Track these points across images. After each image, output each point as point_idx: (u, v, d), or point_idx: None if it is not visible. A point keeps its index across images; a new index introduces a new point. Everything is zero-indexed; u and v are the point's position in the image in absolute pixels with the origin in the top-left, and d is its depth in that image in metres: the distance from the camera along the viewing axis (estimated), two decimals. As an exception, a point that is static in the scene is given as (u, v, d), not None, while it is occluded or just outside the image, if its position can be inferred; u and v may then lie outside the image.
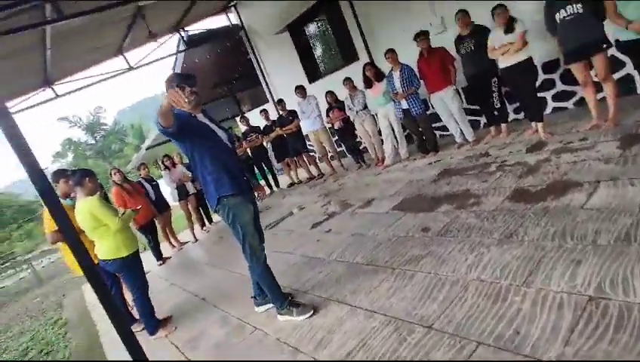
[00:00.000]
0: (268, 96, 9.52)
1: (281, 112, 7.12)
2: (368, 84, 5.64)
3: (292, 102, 7.14)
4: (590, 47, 3.56)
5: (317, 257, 3.49)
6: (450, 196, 3.62)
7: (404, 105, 5.34)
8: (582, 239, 2.13)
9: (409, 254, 2.79)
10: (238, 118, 9.09)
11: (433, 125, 5.71)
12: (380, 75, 5.55)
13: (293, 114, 6.97)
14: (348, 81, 5.95)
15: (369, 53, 6.66)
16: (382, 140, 6.00)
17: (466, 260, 2.39)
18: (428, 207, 3.58)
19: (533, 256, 2.15)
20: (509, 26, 4.03)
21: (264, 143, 7.64)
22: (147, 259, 3.99)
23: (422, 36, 4.98)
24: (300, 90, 6.72)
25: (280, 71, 8.83)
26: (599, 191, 2.60)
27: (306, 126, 6.81)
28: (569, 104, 4.91)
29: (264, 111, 7.53)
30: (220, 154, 2.45)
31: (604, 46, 3.54)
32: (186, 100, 1.97)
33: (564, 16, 3.61)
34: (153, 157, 14.03)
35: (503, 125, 4.88)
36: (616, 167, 2.86)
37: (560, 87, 4.88)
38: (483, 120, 5.56)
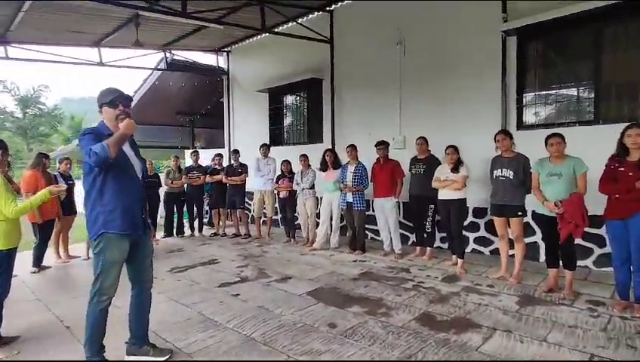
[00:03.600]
0: (226, 142, 9.51)
1: (233, 162, 7.09)
2: (324, 168, 5.87)
3: (246, 157, 7.17)
4: (510, 209, 4.06)
5: (214, 319, 3.23)
6: (365, 299, 3.65)
7: (349, 198, 5.57)
8: (471, 381, 2.21)
9: (309, 346, 2.68)
10: (189, 151, 8.86)
11: (367, 226, 5.95)
12: (336, 164, 5.83)
13: (243, 167, 6.95)
14: (304, 157, 6.17)
15: (333, 139, 7.06)
16: (317, 223, 6.09)
17: (361, 369, 2.34)
18: (341, 302, 3.56)
19: (425, 384, 2.17)
20: (456, 166, 4.54)
21: (205, 184, 7.42)
22: (21, 259, 3.42)
23: (382, 145, 5.42)
24: (265, 148, 6.84)
25: (246, 125, 8.98)
26: (494, 338, 2.77)
27: (257, 184, 6.79)
28: (486, 250, 5.41)
29: (219, 156, 7.43)
30: (125, 189, 2.33)
31: (520, 213, 4.06)
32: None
33: (497, 175, 4.15)
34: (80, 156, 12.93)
35: (429, 248, 5.21)
36: (512, 320, 3.10)
37: (482, 232, 5.41)
38: (412, 238, 5.91)
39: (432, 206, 5.11)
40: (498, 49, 5.05)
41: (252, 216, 7.79)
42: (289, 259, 5.31)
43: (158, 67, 9.19)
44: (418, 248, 5.40)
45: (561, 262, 3.76)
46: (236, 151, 7.16)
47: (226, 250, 6.02)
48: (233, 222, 7.27)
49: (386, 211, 5.36)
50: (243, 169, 6.94)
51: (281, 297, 3.75)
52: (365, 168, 5.57)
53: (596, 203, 3.46)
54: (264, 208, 6.92)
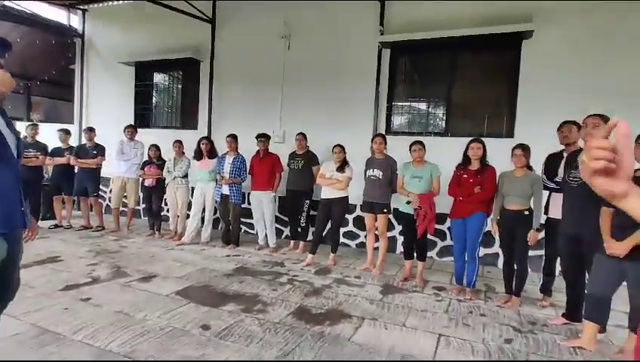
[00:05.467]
0: (76, 117, 8.03)
1: (86, 142, 6.02)
2: (199, 156, 5.47)
3: (103, 138, 6.19)
4: (377, 207, 4.46)
5: (55, 332, 2.66)
6: (240, 296, 3.52)
7: (225, 190, 5.32)
8: (345, 371, 2.31)
9: (180, 353, 2.43)
10: (23, 124, 7.17)
11: (242, 220, 5.79)
12: (213, 153, 5.49)
13: (99, 149, 5.98)
14: (179, 144, 5.66)
15: (210, 127, 6.64)
16: (188, 215, 5.65)
17: (239, 372, 2.23)
18: (215, 301, 3.35)
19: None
20: (342, 166, 4.70)
21: (44, 167, 6.12)
22: None
23: (263, 138, 5.32)
24: (132, 130, 6.00)
25: (104, 100, 7.74)
26: (363, 327, 2.98)
27: (119, 169, 5.91)
28: (352, 243, 5.84)
29: (64, 132, 6.20)
30: (2, 174, 1.75)
31: (385, 211, 4.49)
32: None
33: (369, 175, 4.50)
34: None
35: (302, 243, 5.35)
36: (377, 308, 3.40)
37: (351, 227, 5.83)
38: (287, 231, 5.99)
39: (308, 201, 5.26)
40: (375, 58, 5.48)
41: (107, 205, 6.82)
42: (153, 255, 4.78)
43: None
44: (292, 242, 5.50)
45: (415, 253, 4.30)
46: (91, 130, 6.10)
47: (72, 245, 5.09)
48: (82, 212, 6.20)
49: (264, 205, 5.29)
50: (99, 151, 5.97)
51: (144, 299, 3.33)
52: (244, 159, 5.39)
53: (444, 204, 4.07)
54: (124, 197, 6.09)
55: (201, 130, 6.69)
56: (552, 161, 3.64)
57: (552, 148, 3.71)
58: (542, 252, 3.92)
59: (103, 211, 6.47)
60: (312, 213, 5.30)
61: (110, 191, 6.90)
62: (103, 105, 7.74)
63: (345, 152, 4.70)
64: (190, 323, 2.87)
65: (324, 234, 4.87)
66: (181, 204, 5.65)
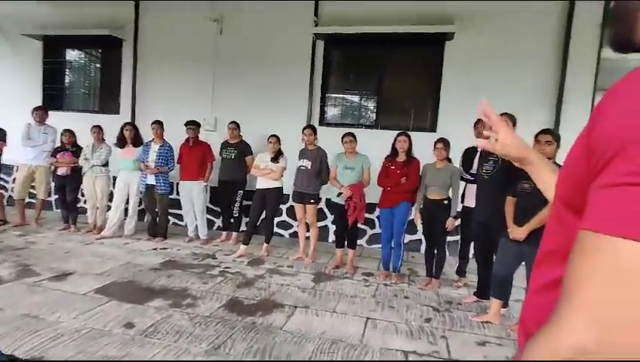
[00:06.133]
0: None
1: (-19, 124, 5.27)
2: (121, 144, 5.08)
3: (6, 120, 5.47)
4: (307, 197, 4.52)
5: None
6: (168, 291, 3.37)
7: (151, 180, 5.02)
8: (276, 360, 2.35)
9: (100, 354, 2.28)
10: None
11: (170, 210, 5.52)
12: (138, 141, 5.13)
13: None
14: (97, 129, 5.20)
15: (134, 112, 6.18)
16: (109, 206, 5.24)
17: (166, 370, 2.16)
18: (140, 297, 3.18)
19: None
20: (277, 156, 4.67)
21: None
22: None
23: (193, 126, 5.10)
24: (42, 113, 5.38)
25: (5, 77, 6.80)
26: (295, 315, 3.04)
27: (25, 156, 5.27)
28: (286, 233, 5.88)
29: None
30: None
31: (313, 201, 4.57)
32: None
33: (299, 166, 4.54)
34: None
35: (234, 234, 5.25)
36: (309, 296, 3.48)
37: (284, 217, 5.85)
38: (218, 223, 5.84)
39: (241, 191, 5.17)
40: (309, 49, 5.49)
41: (10, 196, 6.07)
42: (68, 251, 4.38)
43: None
44: (224, 233, 5.39)
45: (346, 242, 4.46)
46: (-13, 111, 5.36)
47: (-34, 243, 4.46)
48: (-22, 205, 5.45)
49: (194, 195, 5.10)
50: (-1, 135, 5.27)
51: (57, 299, 3.04)
52: (171, 148, 5.12)
53: (373, 194, 4.27)
54: (32, 187, 5.46)
55: (123, 115, 6.19)
56: (468, 155, 3.98)
57: (470, 143, 4.05)
58: (458, 237, 4.30)
59: (5, 203, 5.74)
60: (245, 203, 5.22)
61: (14, 180, 6.12)
62: (2, 84, 6.80)
63: (280, 143, 4.68)
64: (112, 322, 2.70)
65: (258, 224, 4.84)
66: (101, 194, 5.22)
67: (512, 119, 3.23)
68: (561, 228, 0.52)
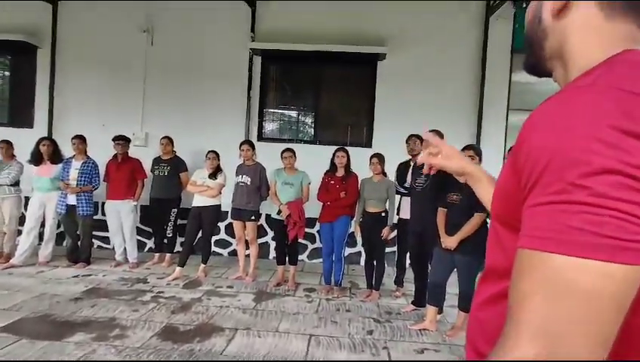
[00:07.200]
0: None
1: None
2: (37, 160, 4.58)
3: None
4: (246, 214, 4.41)
5: None
6: (91, 323, 3.06)
7: (72, 200, 4.56)
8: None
9: (7, 404, 1.98)
10: None
11: (95, 233, 5.05)
12: (56, 157, 4.66)
13: None
14: (6, 144, 4.64)
15: (51, 126, 5.62)
16: (19, 231, 4.66)
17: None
18: (57, 333, 2.84)
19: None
20: (215, 172, 4.49)
21: None
22: None
23: (122, 141, 4.77)
24: None
25: None
26: (236, 338, 2.92)
27: None
28: (225, 252, 5.67)
29: None
30: None
31: (253, 218, 4.48)
32: None
33: (238, 181, 4.41)
34: None
35: (168, 255, 4.95)
36: (250, 317, 3.36)
37: (222, 235, 5.64)
38: (150, 243, 5.46)
39: (175, 210, 4.91)
40: (246, 64, 5.45)
41: None
42: (-34, 284, 3.80)
43: None
44: (157, 255, 5.05)
45: (287, 258, 4.41)
46: None
47: None
48: None
49: (122, 215, 4.73)
50: None
51: (-49, 342, 2.61)
52: (96, 165, 4.72)
53: (313, 209, 4.30)
54: None
55: (38, 128, 5.60)
56: (401, 169, 4.18)
57: (403, 157, 4.26)
58: (396, 248, 4.46)
59: None
60: (179, 222, 4.96)
61: None
62: None
63: (219, 159, 4.55)
64: (22, 365, 2.37)
65: (194, 244, 4.60)
66: (9, 218, 4.62)
67: (439, 135, 3.47)
68: (499, 245, 0.55)
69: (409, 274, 4.08)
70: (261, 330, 3.09)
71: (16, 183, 4.65)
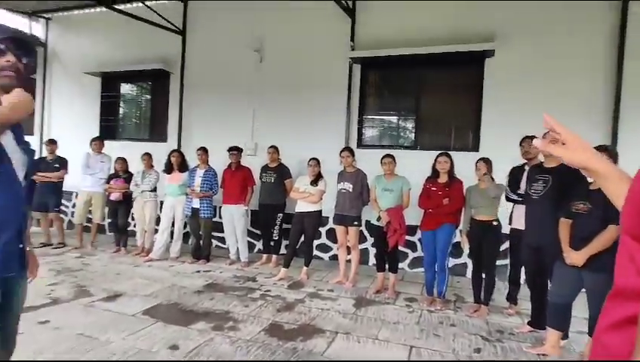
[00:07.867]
0: (36, 129, 7.66)
1: (47, 154, 5.76)
2: (169, 170, 5.35)
3: (66, 150, 5.95)
4: (348, 219, 4.48)
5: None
6: (210, 313, 3.43)
7: (196, 204, 5.21)
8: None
9: (146, 376, 2.33)
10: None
11: (214, 234, 5.68)
12: (184, 167, 5.39)
13: (62, 162, 5.73)
14: (147, 156, 5.52)
15: (180, 139, 6.52)
16: (156, 230, 5.48)
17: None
18: (184, 319, 3.25)
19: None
20: (317, 179, 4.70)
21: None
22: None
23: (235, 151, 5.28)
24: (99, 143, 5.83)
25: (69, 111, 7.45)
26: (336, 341, 2.97)
27: (84, 183, 5.70)
28: (326, 256, 5.84)
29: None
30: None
31: (356, 223, 4.51)
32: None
33: (340, 188, 4.53)
34: None
35: (275, 256, 5.29)
36: (350, 322, 3.39)
37: (323, 240, 5.82)
38: (259, 245, 5.92)
39: (281, 214, 5.23)
40: (346, 73, 5.58)
41: (69, 221, 6.52)
42: (119, 273, 4.60)
43: None
44: (265, 256, 5.44)
45: (387, 265, 4.34)
46: (52, 142, 5.84)
47: (30, 264, 4.81)
48: (42, 229, 5.90)
49: (235, 219, 5.22)
50: (62, 164, 5.72)
51: (108, 320, 3.18)
52: (215, 173, 5.32)
53: (415, 216, 4.16)
54: (89, 212, 5.85)
55: (170, 142, 6.56)
56: (514, 174, 3.80)
57: (515, 161, 3.87)
58: (508, 261, 4.06)
59: (65, 227, 6.18)
60: (284, 226, 5.27)
61: (73, 206, 6.61)
62: (66, 117, 7.45)
63: (320, 166, 4.72)
64: (158, 344, 2.77)
65: (297, 247, 4.85)
66: (149, 218, 5.49)
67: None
68: (632, 264, 0.47)
69: (524, 291, 3.67)
70: (361, 336, 3.09)
71: (154, 189, 5.50)
